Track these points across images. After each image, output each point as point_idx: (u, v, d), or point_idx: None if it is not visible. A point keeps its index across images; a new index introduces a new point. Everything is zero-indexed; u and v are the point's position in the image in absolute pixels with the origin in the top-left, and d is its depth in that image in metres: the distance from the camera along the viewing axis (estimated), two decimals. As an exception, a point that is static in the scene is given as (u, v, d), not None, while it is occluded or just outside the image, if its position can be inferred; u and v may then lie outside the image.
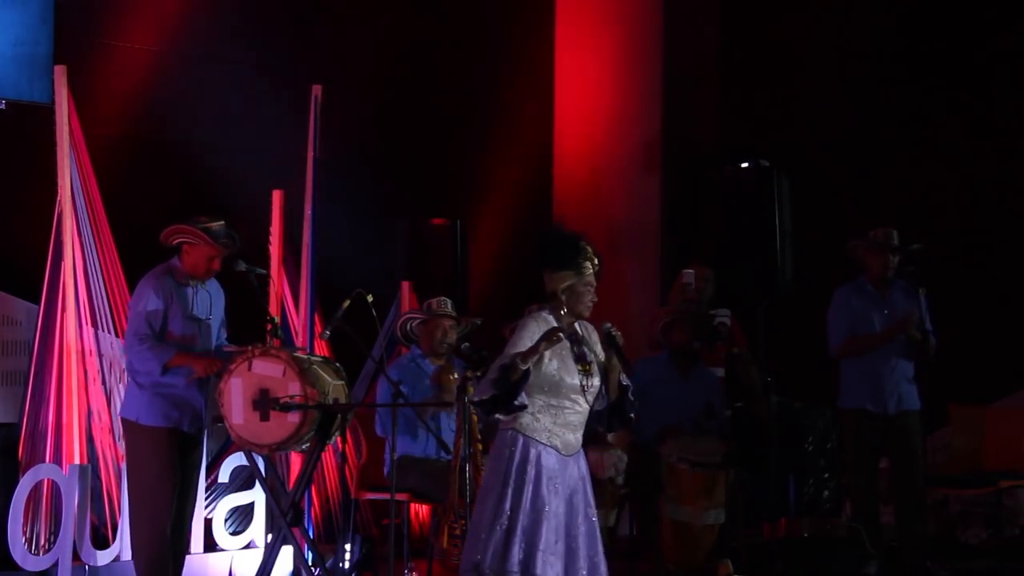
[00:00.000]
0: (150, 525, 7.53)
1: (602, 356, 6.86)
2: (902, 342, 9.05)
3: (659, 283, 12.07)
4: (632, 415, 7.00)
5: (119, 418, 7.83)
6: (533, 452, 6.69)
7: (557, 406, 6.76)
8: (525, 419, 6.72)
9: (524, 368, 6.62)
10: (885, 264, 9.13)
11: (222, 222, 7.69)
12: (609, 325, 6.85)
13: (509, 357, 6.64)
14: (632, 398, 6.90)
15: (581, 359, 6.79)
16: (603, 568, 6.76)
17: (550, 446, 6.73)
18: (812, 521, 9.45)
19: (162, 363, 7.44)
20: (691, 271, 9.69)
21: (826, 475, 9.82)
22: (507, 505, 6.63)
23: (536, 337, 6.69)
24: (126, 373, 7.70)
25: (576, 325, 6.86)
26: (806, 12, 12.38)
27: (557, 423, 6.76)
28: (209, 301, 7.73)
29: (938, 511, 10.50)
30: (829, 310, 9.25)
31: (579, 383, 6.77)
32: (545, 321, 6.78)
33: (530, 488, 6.64)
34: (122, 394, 8.13)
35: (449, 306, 9.01)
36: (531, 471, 6.66)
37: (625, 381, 6.88)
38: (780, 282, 9.33)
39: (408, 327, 9.08)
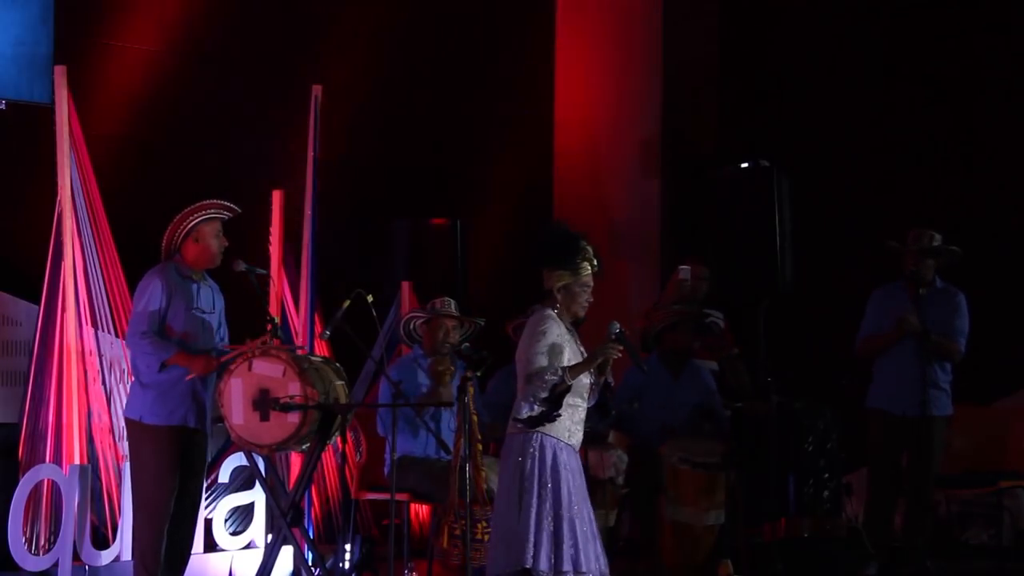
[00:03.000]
0: (149, 524, 7.52)
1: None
2: (929, 346, 8.95)
3: (659, 284, 12.04)
4: (613, 411, 7.17)
5: (122, 417, 7.82)
6: (557, 452, 6.86)
7: (574, 405, 6.91)
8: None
9: (571, 383, 6.76)
10: (914, 265, 9.03)
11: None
12: (618, 325, 6.91)
13: (557, 373, 6.74)
14: (611, 395, 7.09)
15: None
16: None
17: (568, 444, 6.85)
18: (812, 521, 9.43)
19: (160, 360, 7.42)
20: (687, 267, 9.66)
21: (826, 475, 9.77)
22: (548, 508, 6.78)
23: (561, 338, 6.81)
24: (131, 372, 7.68)
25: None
26: (806, 12, 12.37)
27: (574, 420, 6.93)
28: (212, 297, 7.72)
29: (938, 511, 10.48)
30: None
31: (589, 382, 6.88)
32: (557, 320, 6.84)
33: (565, 488, 6.81)
34: (123, 394, 8.12)
35: (452, 306, 9.00)
36: (562, 471, 6.83)
37: (610, 379, 7.01)
38: (780, 282, 9.31)
39: (411, 326, 9.07)
